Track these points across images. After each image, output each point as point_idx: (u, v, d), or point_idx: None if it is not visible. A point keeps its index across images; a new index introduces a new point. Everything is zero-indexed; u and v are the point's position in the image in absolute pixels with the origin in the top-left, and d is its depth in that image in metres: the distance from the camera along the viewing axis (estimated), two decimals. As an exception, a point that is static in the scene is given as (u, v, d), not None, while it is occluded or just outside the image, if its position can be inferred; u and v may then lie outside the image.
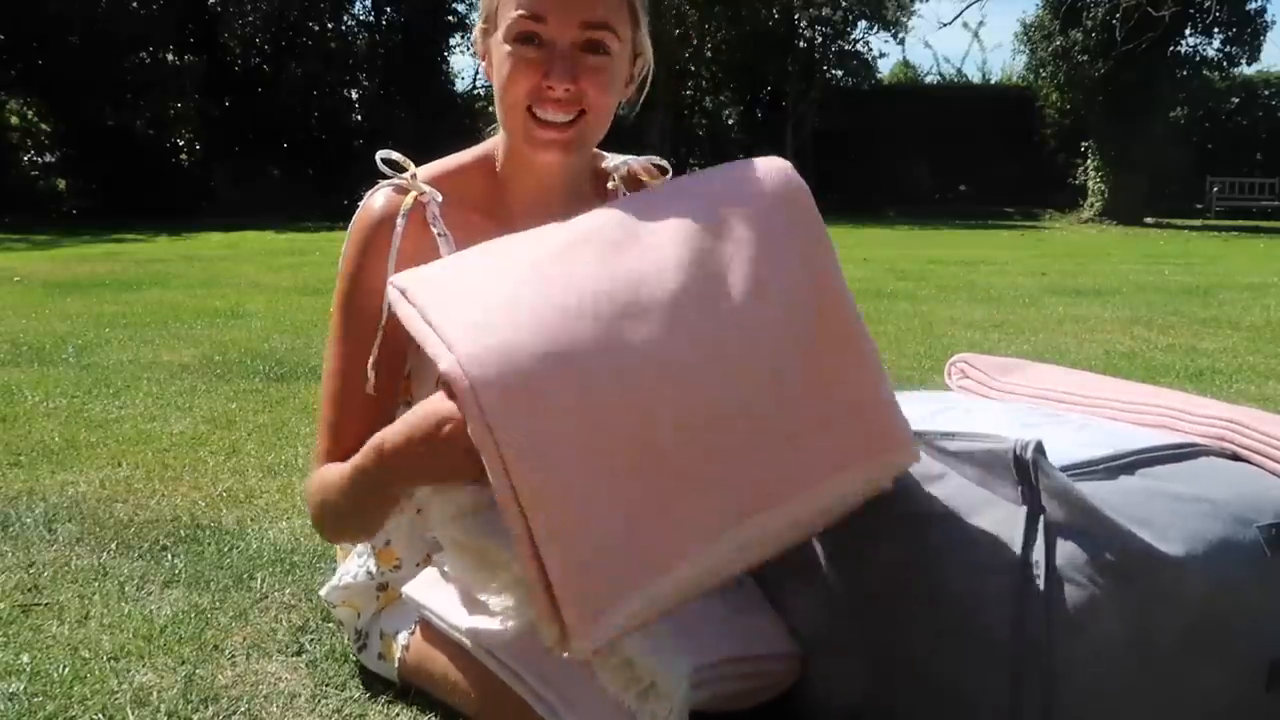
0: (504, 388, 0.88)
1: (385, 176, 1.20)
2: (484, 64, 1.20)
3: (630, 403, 0.92)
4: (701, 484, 0.95)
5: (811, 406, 0.99)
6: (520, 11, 1.10)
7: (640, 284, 0.96)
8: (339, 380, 1.19)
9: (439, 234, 1.18)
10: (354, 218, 1.20)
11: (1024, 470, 1.01)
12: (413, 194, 1.18)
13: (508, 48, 1.12)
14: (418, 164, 1.24)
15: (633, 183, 1.32)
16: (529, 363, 0.90)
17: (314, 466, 1.20)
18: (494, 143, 1.25)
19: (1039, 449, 1.01)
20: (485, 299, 0.95)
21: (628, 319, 0.94)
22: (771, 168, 1.09)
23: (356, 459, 1.08)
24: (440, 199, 1.19)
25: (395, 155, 1.20)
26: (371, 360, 1.16)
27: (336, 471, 1.12)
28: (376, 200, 1.19)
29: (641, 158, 1.34)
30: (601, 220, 1.05)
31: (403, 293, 0.99)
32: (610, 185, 1.31)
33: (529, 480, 0.89)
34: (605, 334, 0.93)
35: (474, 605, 1.24)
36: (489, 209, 1.22)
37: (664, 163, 1.34)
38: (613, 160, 1.33)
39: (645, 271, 0.98)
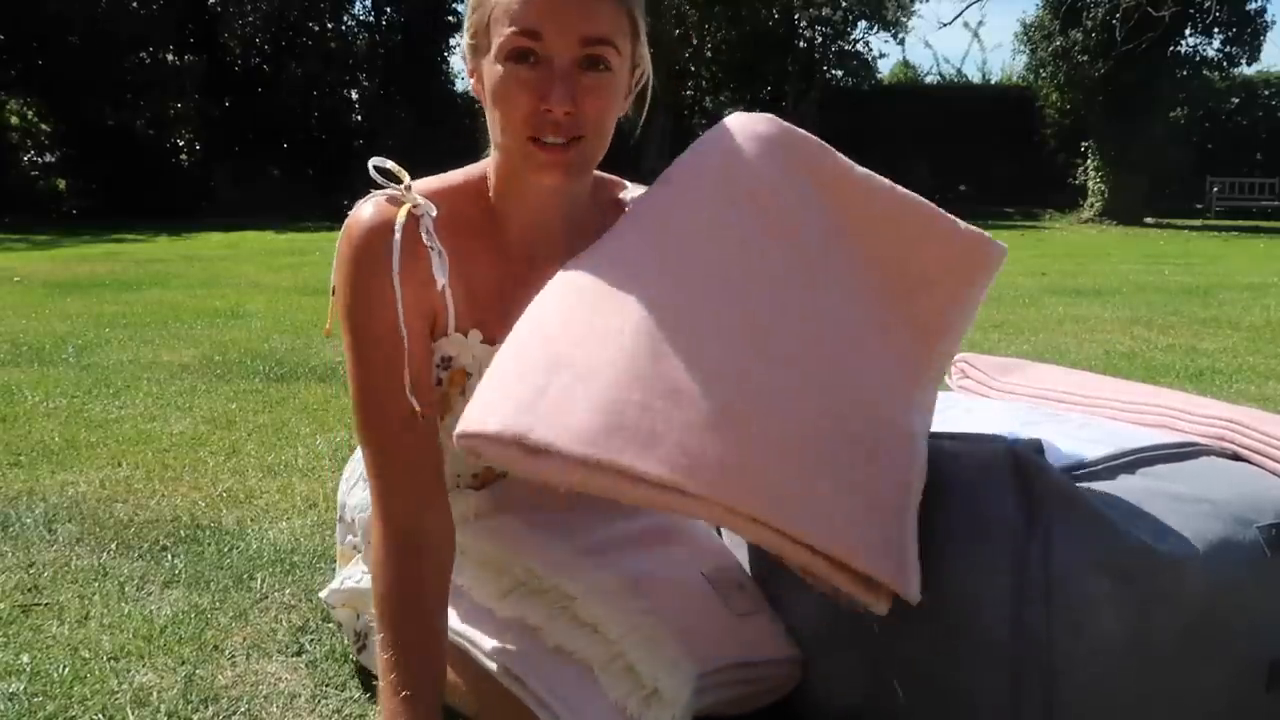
0: (691, 470, 0.89)
1: (378, 185, 1.13)
2: (473, 81, 1.13)
3: (769, 409, 0.96)
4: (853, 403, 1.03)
5: (898, 300, 1.12)
6: (514, 28, 1.03)
7: (696, 309, 1.00)
8: (370, 411, 1.11)
9: (434, 249, 1.12)
10: (345, 231, 1.12)
11: (1022, 470, 1.01)
12: (406, 205, 1.11)
13: (500, 67, 1.04)
14: (414, 169, 1.18)
15: None
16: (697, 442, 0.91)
17: (374, 515, 1.11)
18: (485, 165, 1.19)
19: (1037, 449, 1.01)
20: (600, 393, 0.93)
21: (710, 338, 0.98)
22: (734, 130, 1.14)
23: (384, 667, 1.07)
24: (434, 213, 1.12)
25: (389, 164, 1.14)
26: (407, 386, 1.09)
27: (380, 608, 1.09)
28: (367, 211, 1.12)
29: None
30: (634, 250, 1.06)
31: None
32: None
33: (764, 511, 0.92)
34: (708, 369, 0.96)
35: (476, 610, 1.24)
36: (483, 233, 1.17)
37: None
38: (632, 190, 1.27)
39: (698, 292, 1.01)
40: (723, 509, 0.91)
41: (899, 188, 1.17)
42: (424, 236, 1.11)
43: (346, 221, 1.12)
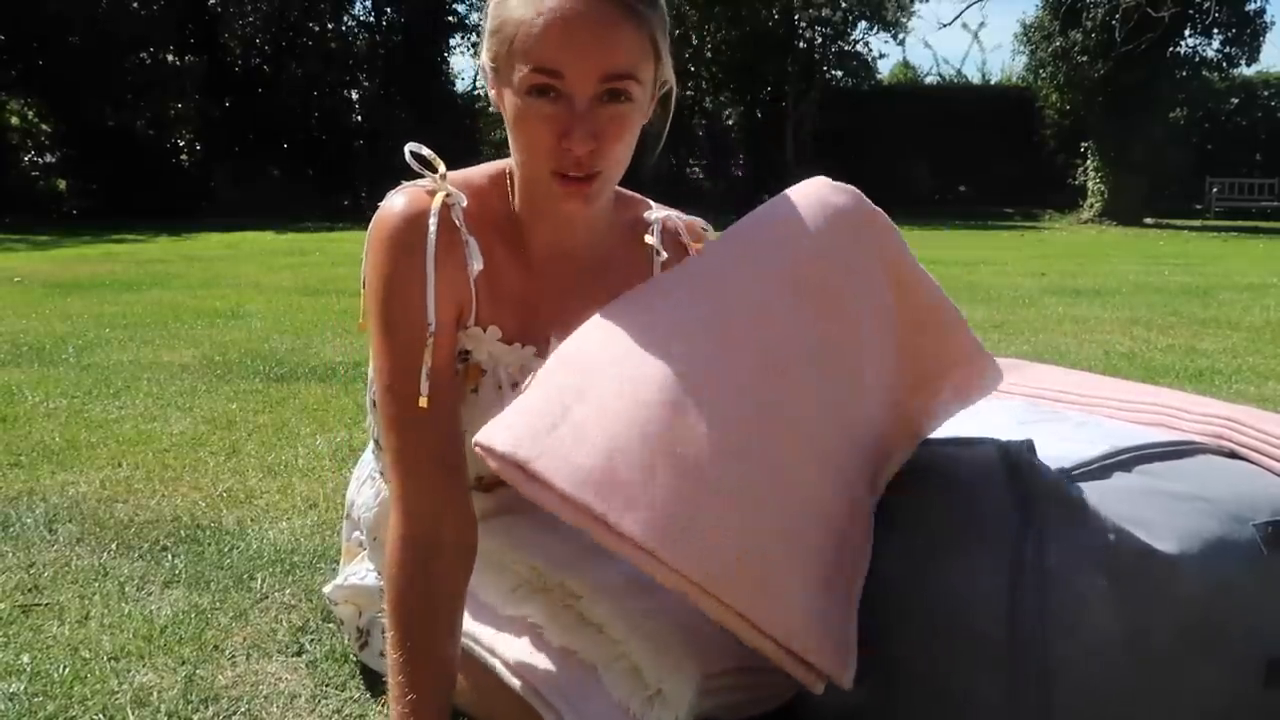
0: (667, 537, 0.91)
1: (411, 172, 1.13)
2: (493, 95, 1.11)
3: (765, 496, 0.97)
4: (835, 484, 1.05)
5: (904, 392, 1.13)
6: (534, 65, 1.01)
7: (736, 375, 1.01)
8: (397, 400, 1.08)
9: (465, 240, 1.11)
10: (377, 220, 1.11)
11: (1016, 470, 1.01)
12: (441, 194, 1.10)
13: (520, 101, 1.03)
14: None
15: (670, 239, 1.26)
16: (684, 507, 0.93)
17: (394, 510, 1.09)
18: (509, 164, 1.18)
19: (1030, 449, 1.02)
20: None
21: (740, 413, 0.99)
22: (813, 199, 1.13)
23: (392, 675, 1.04)
24: (465, 204, 1.12)
25: (426, 151, 1.12)
26: (425, 370, 1.07)
27: (391, 603, 1.07)
28: (400, 200, 1.11)
29: (684, 216, 1.29)
30: (681, 308, 1.06)
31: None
32: (648, 239, 1.24)
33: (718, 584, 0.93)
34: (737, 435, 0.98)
35: (480, 609, 1.24)
36: (506, 234, 1.16)
37: (706, 225, 1.30)
38: (656, 211, 1.27)
39: (730, 366, 1.01)
40: (691, 585, 0.91)
41: (933, 279, 1.17)
42: (457, 224, 1.11)
43: (378, 213, 1.11)
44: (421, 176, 1.12)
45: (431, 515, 1.07)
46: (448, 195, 1.11)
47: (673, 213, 1.29)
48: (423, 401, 1.07)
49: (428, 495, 1.07)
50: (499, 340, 1.17)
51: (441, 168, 1.12)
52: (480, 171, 1.19)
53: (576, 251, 1.20)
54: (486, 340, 1.17)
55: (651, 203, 1.29)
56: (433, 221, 1.08)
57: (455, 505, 1.08)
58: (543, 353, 1.19)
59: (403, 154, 1.13)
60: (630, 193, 1.27)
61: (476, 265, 1.11)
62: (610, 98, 1.03)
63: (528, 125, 1.04)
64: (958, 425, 1.19)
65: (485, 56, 1.08)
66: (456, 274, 1.11)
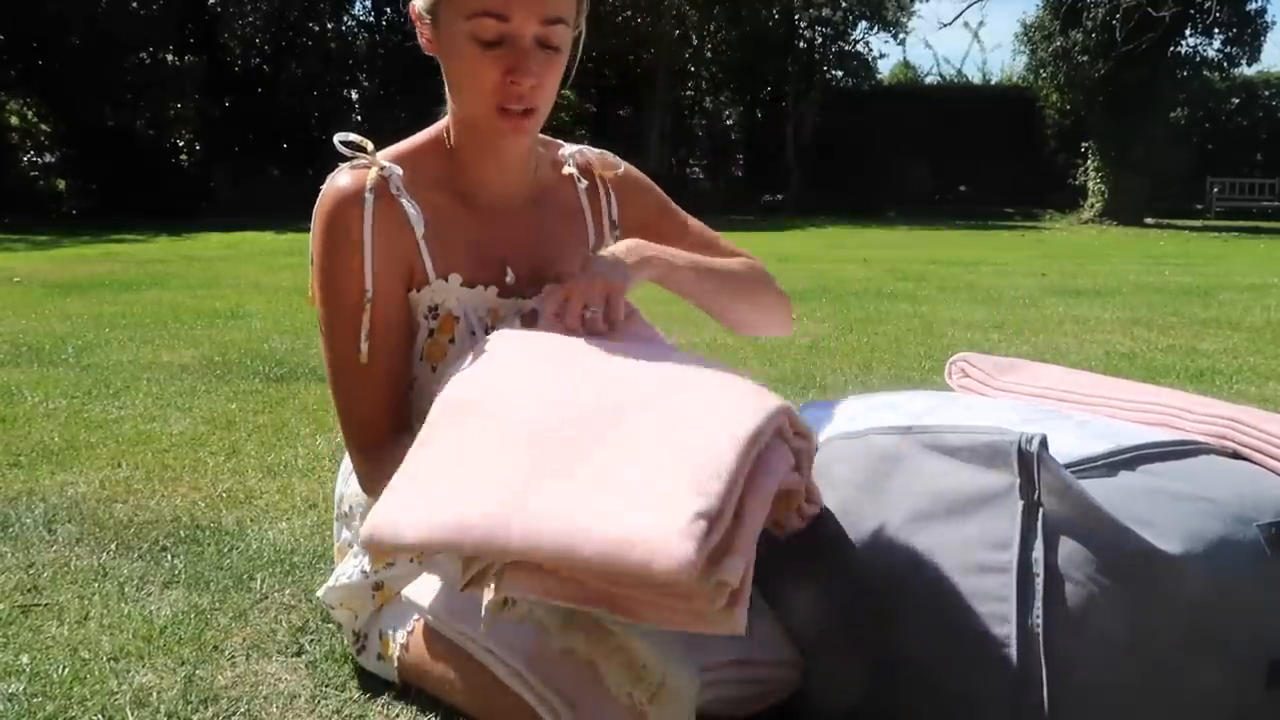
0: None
1: (344, 159, 1.23)
2: (425, 42, 1.24)
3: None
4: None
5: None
6: (482, 10, 1.14)
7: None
8: (342, 369, 1.24)
9: (407, 205, 1.22)
10: (319, 201, 1.22)
11: (1026, 464, 1.00)
12: (375, 169, 1.21)
13: (469, 45, 1.16)
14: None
15: (586, 171, 1.41)
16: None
17: (353, 458, 1.28)
18: (442, 125, 1.30)
19: (1043, 443, 1.01)
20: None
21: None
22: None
23: None
24: (400, 173, 1.23)
25: (353, 136, 1.24)
26: (364, 332, 1.20)
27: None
28: (339, 180, 1.22)
29: (594, 150, 1.42)
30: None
31: None
32: (565, 170, 1.39)
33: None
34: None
35: (475, 604, 1.23)
36: (447, 186, 1.28)
37: (616, 158, 1.43)
38: (568, 149, 1.42)
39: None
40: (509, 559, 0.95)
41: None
42: (395, 194, 1.22)
43: (321, 192, 1.22)
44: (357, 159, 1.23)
45: (375, 444, 1.23)
46: (382, 169, 1.22)
47: (584, 147, 1.43)
48: (362, 359, 1.21)
49: (370, 435, 1.24)
50: (461, 285, 1.27)
51: (370, 146, 1.24)
52: (410, 141, 1.31)
53: (514, 188, 1.32)
54: (450, 288, 1.27)
55: (562, 143, 1.43)
56: (369, 196, 1.20)
57: (397, 442, 1.16)
58: (504, 291, 1.30)
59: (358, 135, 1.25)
60: (545, 136, 1.39)
61: (420, 229, 1.23)
62: (545, 42, 1.17)
63: (474, 65, 1.17)
64: (961, 420, 1.19)
65: (420, 5, 1.21)
66: (398, 238, 1.23)
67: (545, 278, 1.28)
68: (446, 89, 1.25)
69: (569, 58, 1.25)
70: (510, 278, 1.30)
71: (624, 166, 1.44)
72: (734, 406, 0.99)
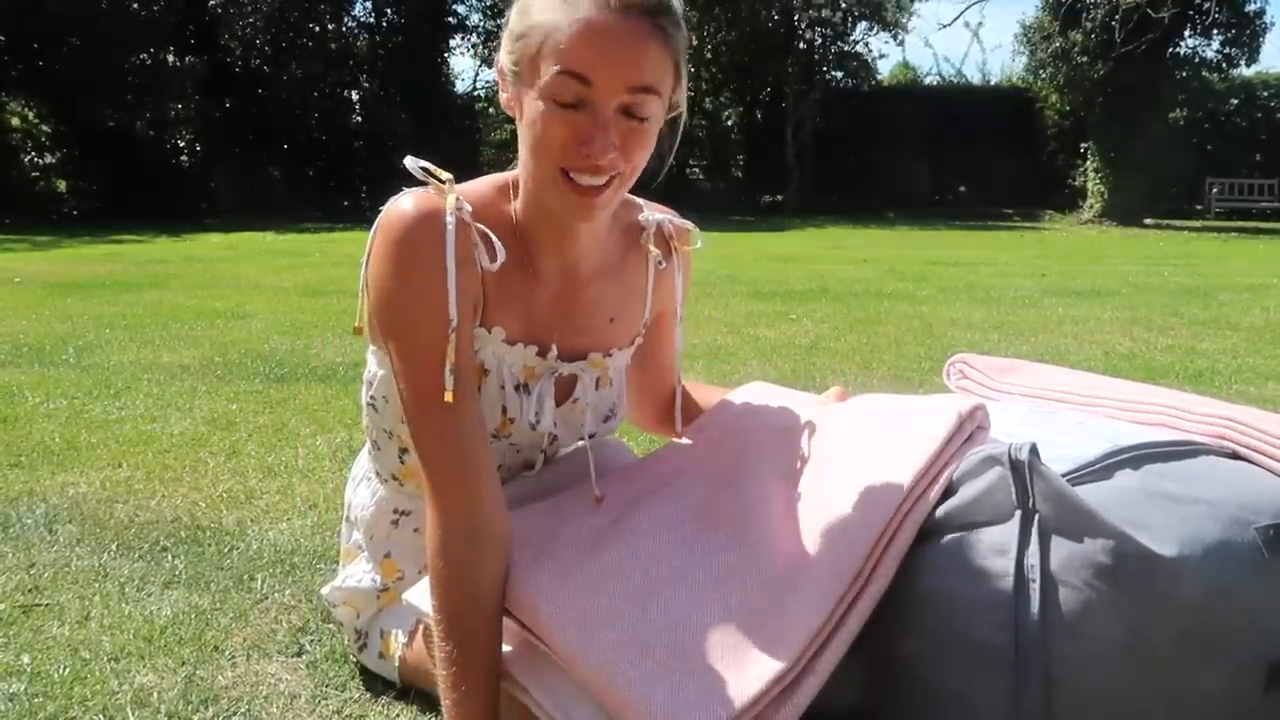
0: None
1: (410, 179, 1.13)
2: (506, 99, 1.11)
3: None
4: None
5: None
6: (563, 70, 1.01)
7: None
8: (427, 410, 1.08)
9: (483, 236, 1.12)
10: (386, 223, 1.10)
11: (1019, 473, 1.01)
12: (452, 196, 1.10)
13: (543, 104, 1.03)
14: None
15: (661, 241, 1.30)
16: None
17: (430, 507, 1.09)
18: (509, 178, 1.19)
19: (1034, 451, 1.01)
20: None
21: None
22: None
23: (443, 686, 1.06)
24: (470, 209, 1.12)
25: (428, 164, 1.12)
26: (449, 366, 1.07)
27: (436, 613, 1.08)
28: (409, 201, 1.10)
29: (676, 219, 1.32)
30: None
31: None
32: (642, 241, 1.28)
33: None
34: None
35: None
36: (511, 247, 1.15)
37: (691, 226, 1.33)
38: (650, 215, 1.30)
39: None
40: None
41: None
42: (469, 224, 1.11)
43: (386, 215, 1.10)
44: (424, 184, 1.12)
45: (466, 507, 1.07)
46: (456, 198, 1.11)
47: (664, 215, 1.31)
48: (448, 396, 1.06)
49: (460, 488, 1.07)
50: (503, 341, 1.18)
51: (445, 175, 1.13)
52: (482, 182, 1.20)
53: (579, 259, 1.21)
54: (491, 341, 1.18)
55: (641, 202, 1.30)
56: (450, 219, 1.08)
57: (487, 495, 1.09)
58: (544, 353, 1.20)
59: (401, 155, 1.13)
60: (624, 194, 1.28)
61: (501, 257, 1.11)
62: (631, 112, 1.04)
63: (548, 126, 1.04)
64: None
65: (506, 60, 1.08)
66: (472, 272, 1.11)
67: (583, 349, 1.24)
68: (519, 154, 1.12)
69: (663, 134, 1.11)
70: (554, 352, 1.22)
71: (700, 243, 1.33)
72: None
